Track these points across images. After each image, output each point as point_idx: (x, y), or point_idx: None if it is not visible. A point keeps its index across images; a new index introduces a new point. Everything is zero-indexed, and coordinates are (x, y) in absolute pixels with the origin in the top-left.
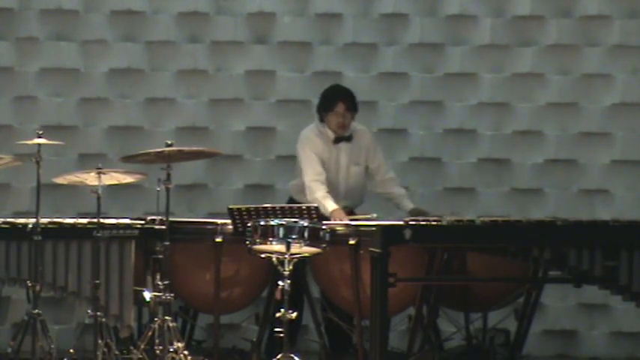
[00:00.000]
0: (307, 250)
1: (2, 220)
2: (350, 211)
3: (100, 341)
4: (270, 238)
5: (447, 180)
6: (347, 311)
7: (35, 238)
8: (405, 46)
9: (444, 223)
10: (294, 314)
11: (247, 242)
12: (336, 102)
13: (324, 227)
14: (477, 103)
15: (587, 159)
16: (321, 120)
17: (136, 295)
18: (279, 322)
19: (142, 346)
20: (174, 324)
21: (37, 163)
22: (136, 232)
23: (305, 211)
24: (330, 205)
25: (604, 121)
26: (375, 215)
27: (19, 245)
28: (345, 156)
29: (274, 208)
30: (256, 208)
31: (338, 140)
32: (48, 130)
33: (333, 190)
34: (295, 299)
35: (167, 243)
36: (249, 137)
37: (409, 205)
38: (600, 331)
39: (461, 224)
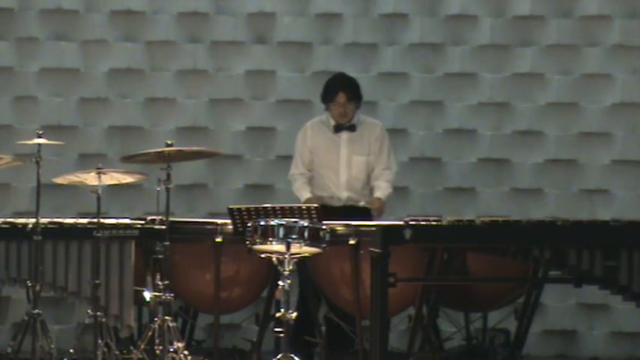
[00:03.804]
0: (307, 250)
1: (2, 220)
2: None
3: (100, 341)
4: (270, 238)
5: (447, 180)
6: (347, 311)
7: (35, 238)
8: (405, 46)
9: (444, 223)
10: (294, 314)
11: (247, 242)
12: (337, 92)
13: (324, 227)
14: (477, 103)
15: (587, 159)
16: (327, 109)
17: (136, 295)
18: (280, 321)
19: (142, 346)
20: (174, 324)
21: (37, 163)
22: (136, 232)
23: (305, 211)
24: (302, 195)
25: (604, 121)
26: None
27: (19, 245)
28: (345, 145)
29: (274, 208)
30: (256, 208)
31: (338, 129)
32: (48, 130)
33: (334, 179)
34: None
35: (167, 243)
36: (249, 137)
37: (374, 196)
38: (600, 331)
39: (461, 224)
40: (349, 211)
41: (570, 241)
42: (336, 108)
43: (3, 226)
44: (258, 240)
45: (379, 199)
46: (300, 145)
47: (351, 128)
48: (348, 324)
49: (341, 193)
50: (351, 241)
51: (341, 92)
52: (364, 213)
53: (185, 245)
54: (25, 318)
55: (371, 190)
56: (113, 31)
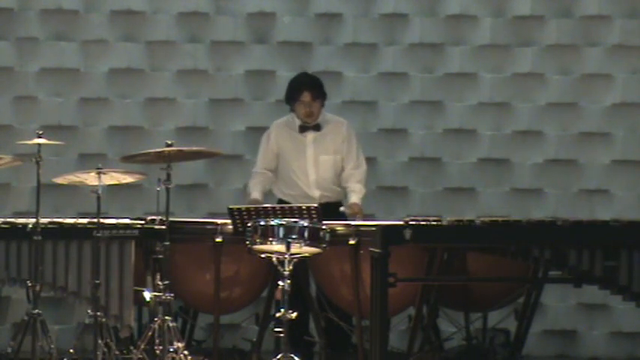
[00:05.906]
0: (307, 250)
1: (2, 220)
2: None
3: (100, 341)
4: (270, 238)
5: (447, 180)
6: (347, 311)
7: (35, 238)
8: (405, 46)
9: (444, 223)
10: (294, 314)
11: (247, 242)
12: (301, 92)
13: (324, 227)
14: (477, 103)
15: (587, 159)
16: (292, 110)
17: (136, 295)
18: (280, 321)
19: (142, 346)
20: (174, 324)
21: (37, 163)
22: (136, 232)
23: (305, 211)
24: (252, 195)
25: (604, 121)
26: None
27: (19, 245)
28: (311, 145)
29: (274, 208)
30: (256, 208)
31: (303, 129)
32: (48, 130)
33: (303, 179)
34: (299, 298)
35: (167, 243)
36: (249, 137)
37: (349, 201)
38: (600, 331)
39: (461, 224)
40: (324, 209)
41: (570, 241)
42: (301, 108)
43: (3, 226)
44: (258, 240)
45: (356, 204)
46: (264, 146)
47: (317, 128)
48: (347, 324)
49: (312, 192)
50: (351, 241)
51: (306, 91)
52: (336, 211)
53: (185, 245)
54: (25, 318)
55: (344, 189)
56: (113, 31)
